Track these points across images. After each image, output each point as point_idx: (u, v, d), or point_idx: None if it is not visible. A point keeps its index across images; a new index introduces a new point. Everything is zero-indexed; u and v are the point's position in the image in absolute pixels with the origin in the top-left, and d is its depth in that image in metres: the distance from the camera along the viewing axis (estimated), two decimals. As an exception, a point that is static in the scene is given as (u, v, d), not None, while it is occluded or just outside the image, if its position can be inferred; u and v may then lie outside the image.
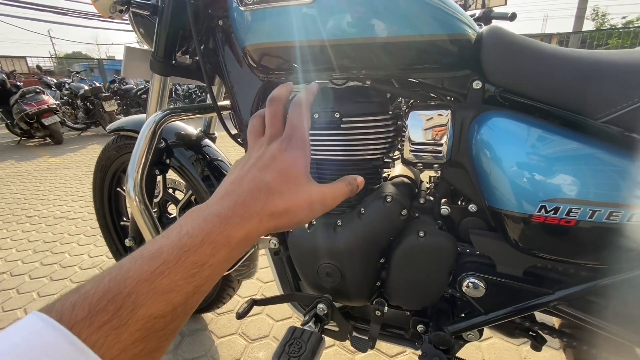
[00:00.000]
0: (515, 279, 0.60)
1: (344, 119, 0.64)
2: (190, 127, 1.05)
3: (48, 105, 5.19)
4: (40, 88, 5.56)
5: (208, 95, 0.99)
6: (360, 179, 0.37)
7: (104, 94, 5.99)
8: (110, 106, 5.91)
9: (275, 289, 1.33)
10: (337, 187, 0.35)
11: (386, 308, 0.70)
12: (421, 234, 0.64)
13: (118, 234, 1.26)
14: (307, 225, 0.71)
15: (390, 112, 0.65)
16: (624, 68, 0.46)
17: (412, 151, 0.63)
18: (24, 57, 9.44)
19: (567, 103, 0.50)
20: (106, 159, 1.12)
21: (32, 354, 0.18)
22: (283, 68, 0.66)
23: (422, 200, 0.70)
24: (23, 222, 2.22)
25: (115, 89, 7.00)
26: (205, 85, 0.83)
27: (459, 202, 0.70)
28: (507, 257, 0.60)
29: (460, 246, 0.64)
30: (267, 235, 0.82)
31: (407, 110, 0.64)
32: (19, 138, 5.68)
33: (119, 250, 1.26)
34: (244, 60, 0.72)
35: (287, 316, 1.22)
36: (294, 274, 0.84)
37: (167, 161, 0.94)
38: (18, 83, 5.97)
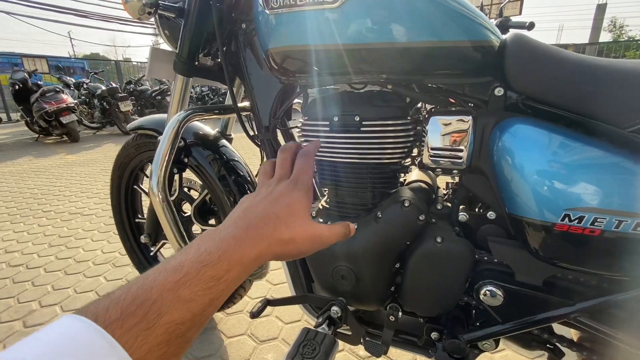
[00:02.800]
0: (535, 288, 0.60)
1: (363, 122, 0.64)
2: (208, 127, 1.07)
3: (67, 104, 5.34)
4: (60, 87, 5.72)
5: (228, 96, 1.01)
6: (352, 226, 0.43)
7: (120, 95, 6.13)
8: (126, 106, 6.04)
9: (285, 292, 1.34)
10: (334, 229, 0.40)
11: (400, 314, 0.70)
12: (438, 239, 0.63)
13: (133, 230, 1.28)
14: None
15: (410, 117, 0.65)
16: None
17: (431, 156, 0.63)
18: (45, 57, 9.73)
19: (593, 111, 0.50)
20: (125, 156, 1.14)
21: (73, 350, 0.20)
22: (304, 71, 0.67)
23: (439, 206, 0.69)
24: (39, 216, 2.28)
25: (131, 89, 7.16)
26: (224, 87, 0.85)
27: (477, 209, 0.70)
28: (526, 266, 0.60)
29: (478, 253, 0.64)
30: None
31: (427, 115, 0.65)
32: (37, 135, 5.84)
33: (132, 247, 1.28)
34: (265, 63, 0.73)
35: (296, 319, 1.22)
36: (307, 276, 0.84)
37: (185, 160, 0.96)
38: (39, 82, 6.16)
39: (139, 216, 1.28)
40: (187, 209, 1.13)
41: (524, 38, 0.56)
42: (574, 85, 0.51)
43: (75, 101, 5.91)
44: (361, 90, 0.67)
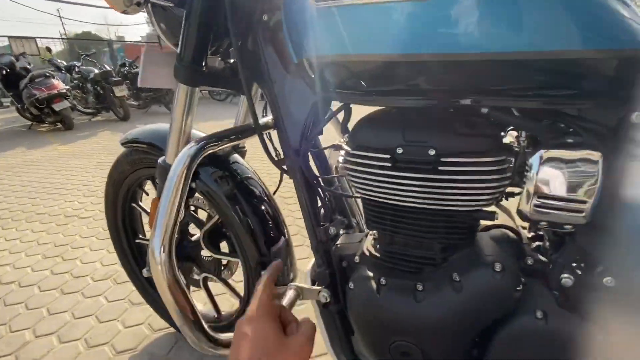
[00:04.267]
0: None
1: (442, 159, 0.46)
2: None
3: (58, 90, 5.07)
4: (50, 72, 5.43)
5: (243, 111, 0.82)
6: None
7: (114, 79, 5.83)
8: (121, 91, 5.76)
9: (318, 347, 1.15)
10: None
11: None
12: (539, 314, 0.47)
13: (134, 252, 1.13)
14: (375, 286, 0.56)
15: (506, 151, 0.47)
16: None
17: (537, 206, 0.45)
18: (34, 38, 9.30)
19: None
20: (119, 173, 0.97)
21: None
22: (358, 87, 0.49)
23: (530, 261, 0.53)
24: (33, 220, 2.13)
25: (126, 72, 6.83)
26: (231, 92, 0.66)
27: (588, 271, 0.53)
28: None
29: (591, 333, 0.48)
30: (318, 285, 0.66)
31: (529, 148, 0.47)
32: (30, 123, 5.61)
33: (133, 270, 1.13)
34: (298, 69, 0.55)
35: None
36: (347, 330, 0.69)
37: (193, 184, 0.79)
38: (28, 66, 5.85)
39: (140, 236, 1.12)
40: (195, 230, 0.97)
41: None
42: None
43: (67, 86, 5.63)
44: (436, 111, 0.49)
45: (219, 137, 0.61)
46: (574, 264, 0.51)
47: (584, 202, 0.43)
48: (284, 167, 0.67)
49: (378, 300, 0.54)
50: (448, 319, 0.50)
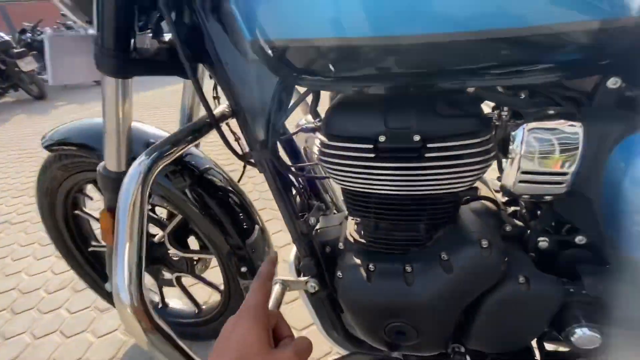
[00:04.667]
0: (634, 321, 0.50)
1: (428, 146, 0.43)
2: (162, 132, 0.78)
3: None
4: None
5: (189, 98, 0.70)
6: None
7: (15, 50, 4.90)
8: (28, 64, 4.89)
9: (311, 334, 1.11)
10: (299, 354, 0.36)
11: (468, 358, 0.59)
12: (521, 279, 0.50)
13: (90, 262, 1.02)
14: (365, 273, 0.55)
15: (490, 127, 0.45)
16: None
17: (522, 181, 0.45)
18: None
19: None
20: (50, 180, 0.83)
21: None
22: (327, 73, 0.42)
23: (508, 228, 0.54)
24: (-46, 233, 1.83)
25: (29, 40, 5.74)
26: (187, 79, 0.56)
27: (561, 232, 0.56)
28: (629, 303, 0.49)
29: (568, 289, 0.52)
30: (304, 276, 0.64)
31: (511, 122, 0.45)
32: None
33: (96, 282, 1.03)
34: (253, 49, 0.46)
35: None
36: (337, 310, 0.70)
37: None
38: None
39: (94, 244, 1.00)
40: (156, 229, 0.89)
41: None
42: None
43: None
44: (417, 95, 0.44)
45: (173, 142, 0.51)
46: (550, 228, 0.54)
47: (566, 173, 0.43)
48: (251, 160, 0.60)
49: (369, 287, 0.54)
50: (440, 298, 0.51)
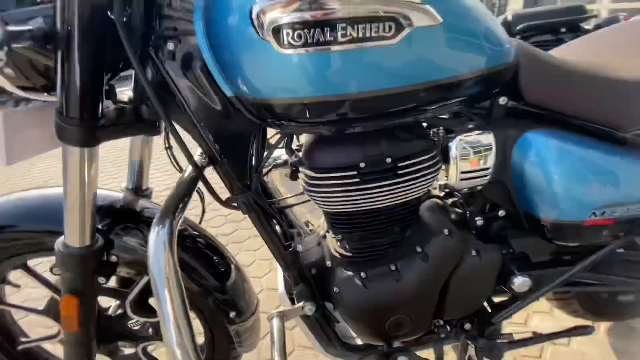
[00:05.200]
0: (545, 264, 0.70)
1: (398, 164, 0.54)
2: (112, 192, 0.72)
3: None
4: None
5: (137, 156, 0.68)
6: None
7: None
8: None
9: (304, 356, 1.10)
10: None
11: (448, 328, 0.72)
12: (474, 253, 0.65)
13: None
14: (359, 282, 0.62)
15: (436, 144, 0.59)
16: None
17: (462, 179, 0.60)
18: None
19: (598, 118, 0.56)
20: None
21: None
22: (304, 119, 0.50)
23: (453, 216, 0.70)
24: None
25: None
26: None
27: (487, 210, 0.73)
28: (541, 250, 0.69)
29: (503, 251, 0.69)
30: (298, 303, 0.68)
31: (446, 137, 0.60)
32: None
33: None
34: (233, 102, 0.51)
35: None
36: (332, 326, 0.75)
37: (112, 258, 0.63)
38: None
39: (23, 339, 0.82)
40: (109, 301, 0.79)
41: (535, 53, 0.55)
42: (583, 95, 0.56)
43: None
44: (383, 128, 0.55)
45: (179, 199, 0.50)
46: (482, 209, 0.71)
47: (488, 168, 0.60)
48: (234, 204, 0.62)
49: (367, 292, 0.62)
50: (423, 284, 0.62)
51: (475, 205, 0.68)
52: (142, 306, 0.81)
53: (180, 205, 0.50)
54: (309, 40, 0.38)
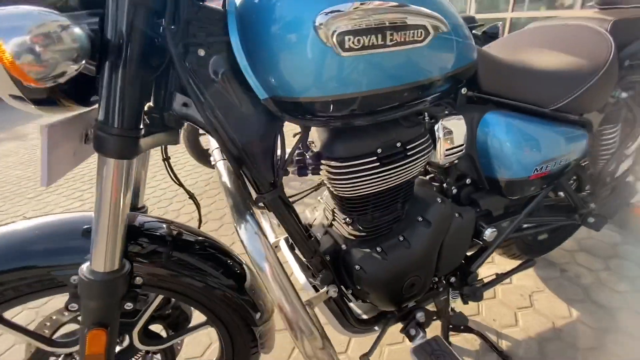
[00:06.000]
0: (500, 216, 0.90)
1: (407, 147, 0.65)
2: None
3: None
4: None
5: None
6: None
7: None
8: None
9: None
10: None
11: (444, 282, 0.85)
12: (457, 215, 0.80)
13: None
14: (378, 256, 0.71)
15: (427, 128, 0.71)
16: (562, 72, 0.75)
17: (446, 155, 0.74)
18: None
19: (530, 99, 0.76)
20: None
21: None
22: (326, 114, 0.56)
23: (434, 188, 0.84)
24: None
25: None
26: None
27: (457, 179, 0.90)
28: (500, 205, 0.88)
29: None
30: (323, 287, 0.74)
31: (430, 122, 0.73)
32: None
33: None
34: (263, 105, 0.55)
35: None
36: (348, 306, 0.82)
37: (137, 280, 0.59)
38: None
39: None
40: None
41: (486, 52, 0.72)
42: (522, 82, 0.75)
43: None
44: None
45: (241, 193, 0.50)
46: (455, 179, 0.87)
47: (462, 144, 0.75)
48: (260, 204, 0.64)
49: (386, 263, 0.71)
50: (428, 247, 0.74)
51: (450, 177, 0.83)
52: (151, 334, 0.76)
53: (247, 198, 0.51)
54: (365, 44, 0.45)
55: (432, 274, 0.80)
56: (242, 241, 0.45)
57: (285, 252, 0.87)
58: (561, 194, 0.94)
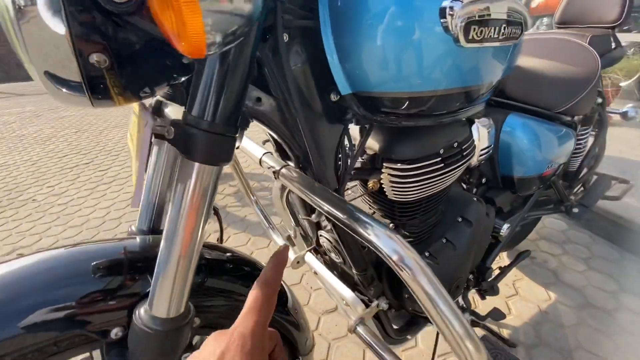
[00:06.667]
0: (512, 211, 0.95)
1: (462, 147, 0.65)
2: (132, 238, 0.51)
3: None
4: None
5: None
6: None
7: None
8: None
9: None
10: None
11: (471, 277, 0.87)
12: (487, 213, 0.82)
13: None
14: (430, 261, 0.70)
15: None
16: (567, 79, 0.84)
17: (480, 156, 0.76)
18: None
19: (540, 103, 0.83)
20: None
21: None
22: (401, 111, 0.53)
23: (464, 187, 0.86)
24: None
25: None
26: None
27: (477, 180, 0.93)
28: (510, 201, 0.93)
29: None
30: (373, 301, 0.69)
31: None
32: None
33: None
34: (341, 101, 0.49)
35: None
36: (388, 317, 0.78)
37: (195, 321, 0.46)
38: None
39: None
40: None
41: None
42: (533, 87, 0.81)
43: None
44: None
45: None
46: (477, 180, 0.90)
47: (491, 145, 0.78)
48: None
49: (436, 268, 0.69)
50: (471, 245, 0.74)
51: (473, 177, 0.86)
52: None
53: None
54: (485, 36, 0.43)
55: (468, 272, 0.81)
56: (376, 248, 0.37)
57: (313, 264, 0.80)
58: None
